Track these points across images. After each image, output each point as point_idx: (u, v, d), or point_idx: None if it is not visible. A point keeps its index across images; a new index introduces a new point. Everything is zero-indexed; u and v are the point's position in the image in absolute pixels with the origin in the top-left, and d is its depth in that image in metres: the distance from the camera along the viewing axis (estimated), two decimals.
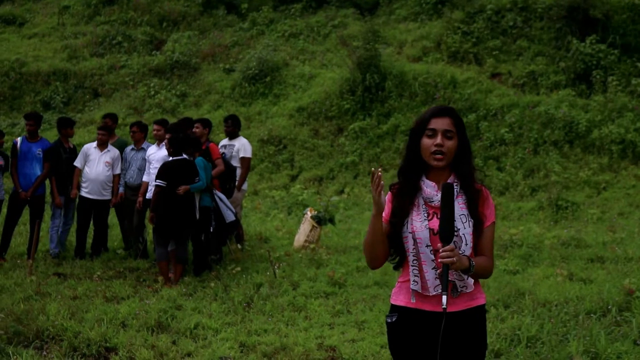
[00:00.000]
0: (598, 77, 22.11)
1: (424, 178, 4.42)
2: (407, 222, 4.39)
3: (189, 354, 8.05)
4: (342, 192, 20.45)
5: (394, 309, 4.52)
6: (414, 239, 4.35)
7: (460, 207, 4.33)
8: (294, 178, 21.58)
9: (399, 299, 4.51)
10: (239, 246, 13.34)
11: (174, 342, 8.42)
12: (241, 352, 8.16)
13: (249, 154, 13.67)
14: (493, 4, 26.03)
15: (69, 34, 31.28)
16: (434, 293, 4.32)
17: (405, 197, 4.42)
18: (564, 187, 18.61)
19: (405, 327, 4.46)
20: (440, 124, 4.34)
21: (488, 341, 7.84)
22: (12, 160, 12.96)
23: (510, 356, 7.66)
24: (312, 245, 13.49)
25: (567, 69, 23.09)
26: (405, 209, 4.40)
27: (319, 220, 13.84)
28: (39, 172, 12.91)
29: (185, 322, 9.08)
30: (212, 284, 11.02)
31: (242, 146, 13.54)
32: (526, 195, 18.75)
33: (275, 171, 21.93)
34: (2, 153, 13.10)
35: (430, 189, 4.37)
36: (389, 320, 4.52)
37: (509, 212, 17.68)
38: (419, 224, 4.35)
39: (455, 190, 4.32)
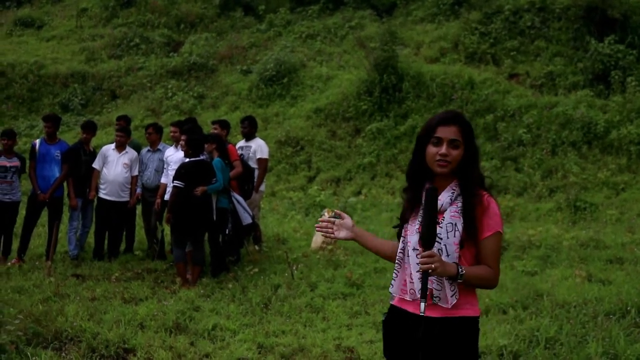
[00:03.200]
0: (616, 77, 21.98)
1: (428, 184, 4.37)
2: (406, 225, 4.44)
3: (207, 355, 8.05)
4: (359, 193, 20.42)
5: (390, 307, 4.57)
6: (404, 243, 4.39)
7: (451, 215, 4.26)
8: (311, 179, 21.57)
9: (392, 297, 4.56)
10: (257, 247, 13.37)
11: (192, 344, 8.43)
12: (259, 353, 8.17)
13: (266, 155, 13.68)
14: (511, 5, 25.94)
15: (86, 36, 31.42)
16: (410, 299, 4.35)
17: (410, 203, 4.45)
18: (583, 188, 18.51)
19: (392, 326, 4.48)
20: (446, 132, 4.28)
21: (506, 342, 7.85)
22: (30, 163, 13.00)
23: (528, 357, 7.63)
24: (329, 247, 13.48)
25: (586, 70, 22.98)
26: (408, 215, 4.44)
27: None
28: (57, 174, 12.95)
29: (203, 323, 9.09)
30: (230, 285, 11.04)
31: (258, 147, 13.55)
32: (544, 196, 18.67)
33: (292, 172, 21.93)
34: (18, 155, 13.15)
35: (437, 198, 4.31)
36: (383, 318, 4.57)
37: (527, 213, 17.61)
38: (412, 227, 4.36)
39: (452, 196, 4.31)
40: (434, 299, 4.22)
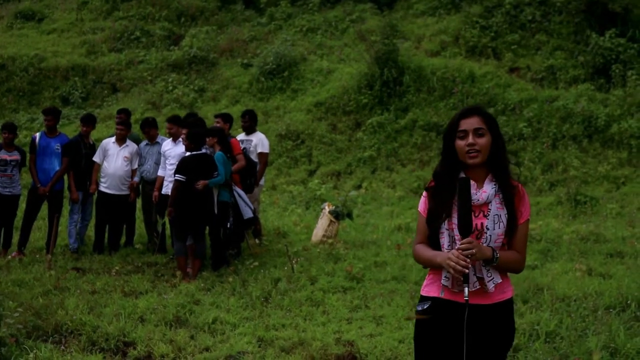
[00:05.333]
0: (617, 71, 21.98)
1: (463, 174, 4.48)
2: (445, 219, 4.46)
3: (207, 349, 8.06)
4: (359, 186, 20.42)
5: (425, 299, 4.58)
6: (451, 236, 4.45)
7: (497, 207, 4.42)
8: (311, 173, 21.57)
9: (431, 290, 4.58)
10: (257, 241, 13.37)
11: (192, 337, 8.43)
12: (259, 346, 8.17)
13: (266, 149, 13.70)
14: None
15: (87, 29, 31.35)
16: (457, 290, 4.42)
17: (444, 197, 4.48)
18: (583, 182, 18.52)
19: (434, 316, 4.51)
20: (469, 123, 4.42)
21: None
22: (30, 156, 12.99)
23: (529, 351, 7.63)
24: (330, 240, 13.49)
25: (586, 63, 22.97)
26: (445, 209, 4.46)
27: (337, 215, 13.83)
28: (57, 168, 12.95)
29: (204, 316, 9.09)
30: (230, 279, 11.03)
31: (259, 141, 13.57)
32: (545, 190, 18.68)
33: (293, 166, 21.92)
34: (18, 148, 13.14)
35: (471, 188, 4.41)
36: (420, 309, 4.58)
37: None
38: (457, 221, 4.39)
39: (495, 187, 4.46)
40: (484, 287, 4.41)
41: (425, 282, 4.66)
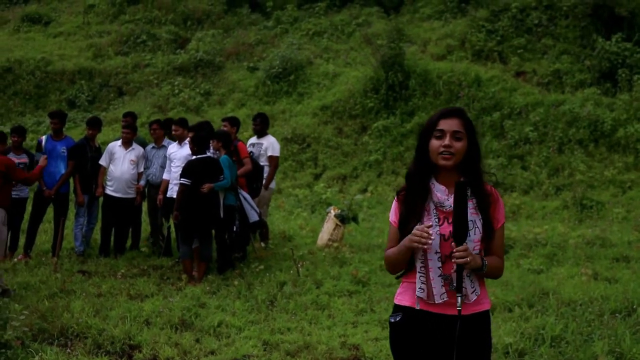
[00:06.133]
0: (623, 75, 21.93)
1: (433, 181, 4.36)
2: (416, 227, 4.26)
3: (212, 352, 8.07)
4: (365, 190, 20.42)
5: (398, 308, 4.47)
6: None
7: (470, 213, 4.26)
8: (317, 177, 21.57)
9: (404, 299, 4.45)
10: (263, 245, 13.37)
11: (197, 340, 8.45)
12: (264, 350, 8.18)
13: (277, 153, 13.72)
14: (518, 2, 25.86)
15: (94, 32, 31.43)
16: (440, 301, 4.27)
17: (416, 202, 4.36)
18: (589, 186, 18.50)
19: (409, 328, 4.40)
20: (448, 125, 4.30)
21: (512, 340, 7.87)
22: (34, 160, 13.00)
23: (534, 356, 7.63)
24: (335, 244, 13.49)
25: (593, 68, 22.93)
26: (416, 214, 4.34)
27: (343, 219, 13.83)
28: (63, 171, 12.97)
29: (209, 320, 9.10)
30: (236, 282, 11.05)
31: (270, 145, 13.58)
32: (551, 194, 18.65)
33: (299, 170, 21.93)
34: (26, 151, 13.18)
35: (441, 193, 4.32)
36: (392, 320, 4.47)
37: (533, 211, 17.60)
38: (430, 230, 4.23)
39: (469, 193, 4.28)
40: (470, 295, 4.28)
41: (398, 290, 4.52)
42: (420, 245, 4.15)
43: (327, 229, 13.86)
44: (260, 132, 13.78)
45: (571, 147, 20.06)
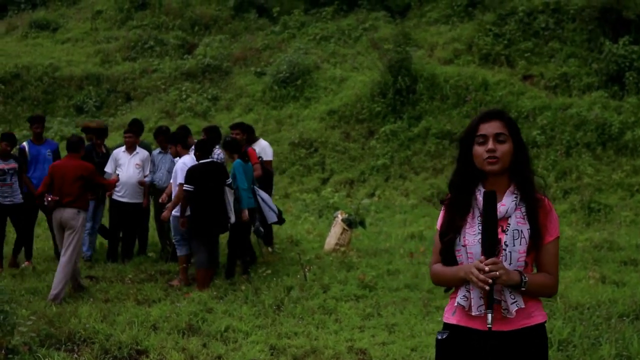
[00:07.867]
0: (631, 78, 21.89)
1: (480, 187, 4.15)
2: (460, 235, 4.12)
3: (219, 357, 8.08)
4: (372, 195, 20.41)
5: (446, 326, 4.24)
6: (467, 253, 4.09)
7: (517, 222, 4.05)
8: (325, 181, 21.57)
9: (451, 317, 4.23)
10: (270, 249, 13.38)
11: (204, 345, 8.46)
12: (271, 354, 8.19)
13: (270, 157, 13.70)
14: (525, 6, 25.86)
15: (101, 38, 31.50)
16: (477, 313, 4.03)
17: (459, 210, 4.16)
18: (597, 190, 18.47)
19: (452, 345, 4.16)
20: (489, 128, 4.08)
21: None
22: (22, 166, 12.84)
23: None
24: (342, 248, 13.49)
25: (600, 71, 22.89)
26: (458, 223, 4.14)
27: (350, 223, 13.83)
28: None
29: (216, 325, 9.11)
30: (243, 287, 11.06)
31: (262, 150, 13.52)
32: (558, 197, 18.62)
33: (306, 174, 21.93)
34: (14, 156, 12.97)
35: (496, 201, 4.04)
36: (439, 337, 4.20)
37: None
38: (472, 237, 4.08)
39: (516, 200, 4.09)
40: (503, 311, 4.02)
41: (447, 307, 4.32)
42: (479, 285, 3.92)
43: (334, 234, 13.86)
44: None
45: (579, 150, 20.03)
